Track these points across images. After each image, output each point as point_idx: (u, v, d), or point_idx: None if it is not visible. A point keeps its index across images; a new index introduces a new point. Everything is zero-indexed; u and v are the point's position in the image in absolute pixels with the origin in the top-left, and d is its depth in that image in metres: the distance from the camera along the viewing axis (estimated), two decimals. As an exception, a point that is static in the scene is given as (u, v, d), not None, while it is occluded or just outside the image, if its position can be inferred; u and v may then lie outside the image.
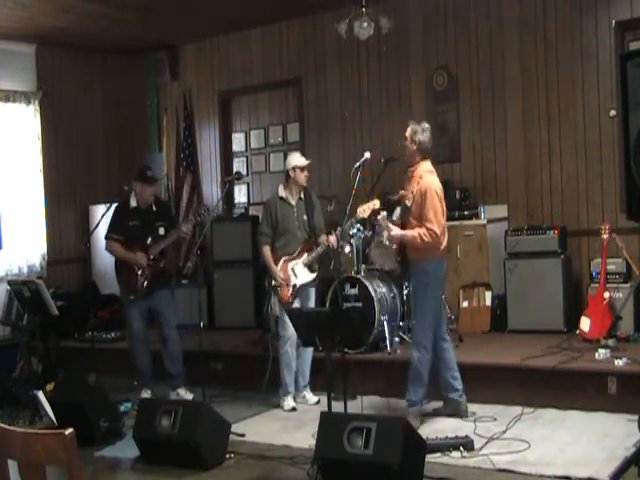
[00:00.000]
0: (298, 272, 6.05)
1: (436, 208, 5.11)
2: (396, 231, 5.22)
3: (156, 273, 6.39)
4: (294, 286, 6.02)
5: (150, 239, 6.39)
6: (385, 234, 5.38)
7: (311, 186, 8.58)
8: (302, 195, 6.20)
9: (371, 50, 8.19)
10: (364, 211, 5.82)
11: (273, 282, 6.08)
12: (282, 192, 6.18)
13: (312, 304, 6.19)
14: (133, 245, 6.38)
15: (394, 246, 5.50)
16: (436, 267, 5.27)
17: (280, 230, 6.10)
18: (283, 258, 6.06)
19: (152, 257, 6.35)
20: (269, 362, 6.35)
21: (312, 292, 6.21)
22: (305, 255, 6.08)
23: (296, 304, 6.01)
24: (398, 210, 6.56)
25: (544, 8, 7.34)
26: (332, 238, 6.03)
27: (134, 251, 6.36)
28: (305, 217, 6.14)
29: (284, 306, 5.95)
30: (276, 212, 6.11)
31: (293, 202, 6.15)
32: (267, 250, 6.11)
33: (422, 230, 5.09)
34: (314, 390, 6.19)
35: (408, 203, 5.21)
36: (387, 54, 8.07)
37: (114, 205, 6.67)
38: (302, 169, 6.12)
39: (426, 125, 5.32)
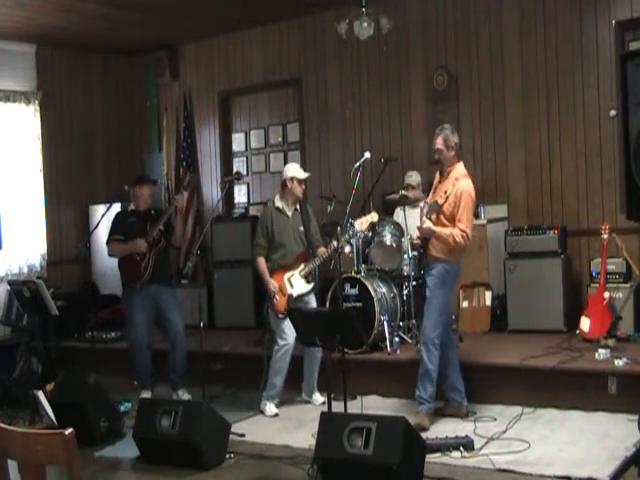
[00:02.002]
0: (294, 283, 6.00)
1: (469, 212, 5.17)
2: (428, 224, 5.15)
3: (158, 255, 6.41)
4: (290, 296, 5.94)
5: (148, 226, 6.43)
6: (421, 223, 5.24)
7: (311, 186, 8.67)
8: (298, 206, 6.15)
9: (371, 50, 8.19)
10: (362, 224, 5.79)
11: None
12: (278, 203, 6.10)
13: None
14: (132, 238, 6.42)
15: (415, 240, 5.46)
16: (455, 269, 5.31)
17: (276, 241, 6.03)
18: (279, 268, 6.02)
19: (151, 239, 6.39)
20: (265, 362, 6.35)
21: (311, 301, 6.14)
22: (302, 266, 6.03)
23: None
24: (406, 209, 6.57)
25: (544, 8, 7.34)
26: (322, 250, 6.03)
27: (135, 238, 6.40)
28: (301, 228, 6.08)
29: (278, 317, 5.91)
30: (272, 223, 6.03)
31: (289, 213, 6.09)
32: (261, 261, 6.03)
33: (456, 230, 5.11)
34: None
35: (440, 201, 5.15)
36: (387, 54, 8.06)
37: (114, 208, 6.72)
38: (300, 182, 6.05)
39: (447, 125, 5.39)
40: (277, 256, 6.03)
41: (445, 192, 5.17)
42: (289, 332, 5.75)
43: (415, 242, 5.62)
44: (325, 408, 4.63)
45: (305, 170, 8.63)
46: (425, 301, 5.40)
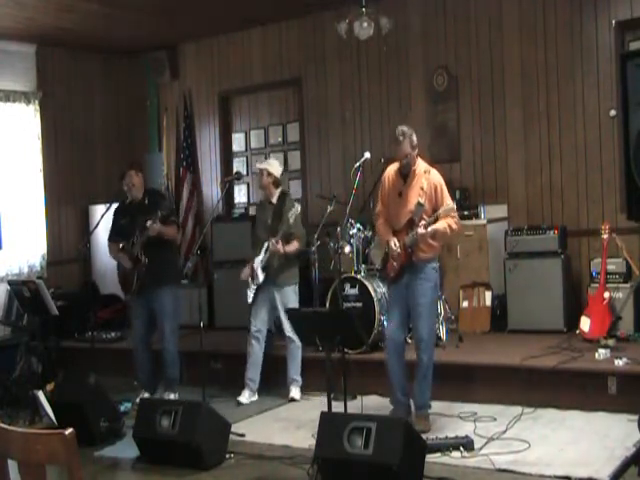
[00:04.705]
0: (258, 272, 6.29)
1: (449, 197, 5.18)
2: (432, 226, 4.99)
3: (143, 273, 6.27)
4: (255, 285, 6.31)
5: (135, 237, 6.29)
6: (419, 231, 4.97)
7: (311, 186, 8.68)
8: (275, 199, 6.34)
9: (371, 50, 8.19)
10: None
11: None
12: (262, 197, 6.60)
13: (282, 305, 6.17)
14: (125, 245, 6.41)
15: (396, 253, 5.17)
16: (438, 264, 5.31)
17: (255, 234, 6.50)
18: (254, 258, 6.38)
19: (135, 256, 6.30)
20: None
21: (279, 294, 6.25)
22: (262, 255, 6.26)
23: (262, 304, 6.33)
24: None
25: (544, 8, 7.34)
26: (277, 244, 6.09)
27: (124, 252, 6.37)
28: (269, 221, 6.27)
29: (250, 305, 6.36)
30: (255, 218, 6.69)
31: (267, 206, 6.43)
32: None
33: (449, 220, 5.04)
34: (316, 390, 6.16)
35: (422, 200, 5.04)
36: (387, 54, 8.06)
37: (114, 208, 6.67)
38: (261, 172, 6.37)
39: (405, 128, 5.15)
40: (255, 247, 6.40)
41: (422, 189, 5.05)
42: (252, 321, 6.35)
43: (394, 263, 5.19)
44: (324, 407, 4.62)
45: (305, 170, 8.79)
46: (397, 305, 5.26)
